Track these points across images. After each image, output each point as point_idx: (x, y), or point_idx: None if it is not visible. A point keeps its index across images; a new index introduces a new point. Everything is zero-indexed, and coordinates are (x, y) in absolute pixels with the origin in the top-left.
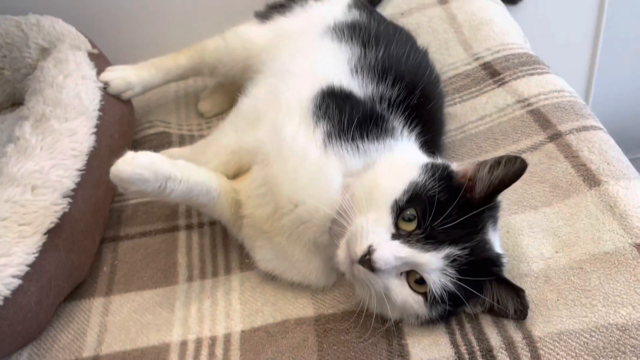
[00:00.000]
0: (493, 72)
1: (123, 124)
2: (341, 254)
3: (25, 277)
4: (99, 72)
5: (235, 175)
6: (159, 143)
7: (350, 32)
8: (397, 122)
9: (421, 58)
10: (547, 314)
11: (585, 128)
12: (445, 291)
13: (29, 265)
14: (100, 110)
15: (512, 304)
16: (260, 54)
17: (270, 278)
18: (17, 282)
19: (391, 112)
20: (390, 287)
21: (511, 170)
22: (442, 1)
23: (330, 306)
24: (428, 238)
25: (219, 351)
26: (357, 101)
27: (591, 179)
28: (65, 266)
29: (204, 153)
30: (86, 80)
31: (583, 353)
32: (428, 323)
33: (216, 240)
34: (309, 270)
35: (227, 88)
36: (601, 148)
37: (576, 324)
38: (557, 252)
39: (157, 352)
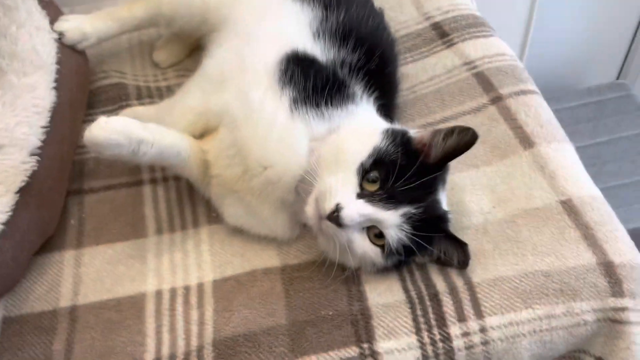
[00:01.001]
0: (442, 33)
1: (80, 76)
2: (310, 210)
3: (1, 235)
4: (51, 22)
5: (201, 135)
6: (115, 94)
7: None
8: (357, 87)
9: (379, 20)
10: (484, 263)
11: (523, 92)
12: (400, 244)
13: (3, 224)
14: (57, 63)
15: (457, 255)
16: (219, 7)
17: (238, 232)
18: None
19: (352, 77)
20: (353, 240)
21: (463, 140)
22: None
23: (294, 257)
24: (389, 198)
25: (193, 299)
26: (320, 67)
27: (526, 141)
28: (36, 222)
29: (170, 114)
30: (40, 31)
31: (513, 296)
32: (383, 271)
33: (182, 194)
34: (276, 225)
35: (183, 38)
36: (536, 112)
37: (508, 271)
38: (494, 207)
39: (134, 301)
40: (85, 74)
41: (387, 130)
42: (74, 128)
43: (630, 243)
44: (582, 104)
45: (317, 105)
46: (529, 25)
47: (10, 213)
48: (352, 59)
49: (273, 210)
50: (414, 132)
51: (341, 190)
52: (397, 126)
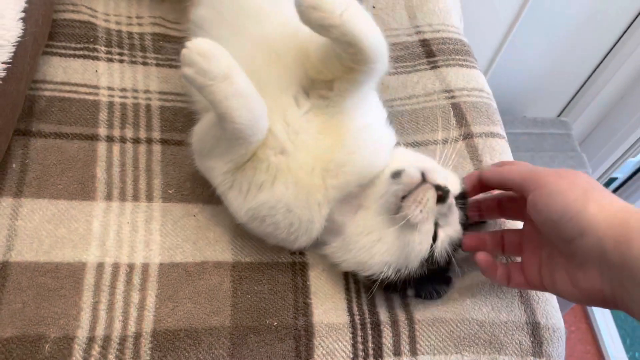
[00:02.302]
0: (429, 52)
1: (47, 6)
2: (413, 171)
3: None
4: None
5: None
6: (82, 33)
7: None
8: None
9: None
10: (428, 302)
11: (492, 134)
12: (441, 256)
13: None
14: None
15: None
16: None
17: (192, 216)
18: None
19: None
20: (427, 227)
21: None
22: None
23: (247, 254)
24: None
25: (136, 280)
26: None
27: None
28: None
29: None
30: None
31: (447, 339)
32: (394, 281)
33: (139, 162)
34: (314, 217)
35: None
36: (500, 158)
37: (448, 313)
38: None
39: (72, 269)
40: (51, 4)
41: None
42: (34, 63)
43: (556, 306)
44: (526, 132)
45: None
46: (499, 50)
47: None
48: None
49: (323, 200)
50: None
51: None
52: None
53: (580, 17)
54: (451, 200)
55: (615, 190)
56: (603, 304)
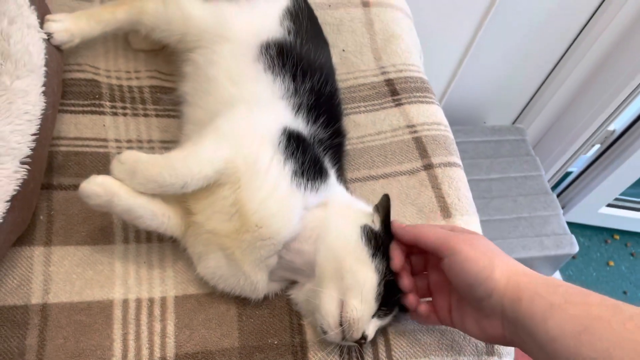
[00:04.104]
0: (393, 91)
1: (60, 75)
2: (332, 323)
3: None
4: (38, 17)
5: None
6: (88, 91)
7: (280, 62)
8: (327, 161)
9: (337, 87)
10: (400, 317)
11: (450, 164)
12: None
13: None
14: (45, 65)
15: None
16: (201, 35)
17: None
18: None
19: (324, 153)
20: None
21: (388, 203)
22: (365, 4)
23: None
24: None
25: (156, 312)
26: (309, 144)
27: (445, 210)
28: (16, 222)
29: (185, 165)
30: (31, 30)
31: (417, 346)
32: None
33: None
34: (252, 281)
35: None
36: (457, 185)
37: (415, 325)
38: None
39: (102, 306)
40: (62, 71)
41: (370, 234)
42: (53, 126)
43: None
44: (485, 140)
45: (310, 179)
46: (461, 63)
47: (1, 221)
48: (324, 136)
49: (254, 266)
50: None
51: (366, 318)
52: (371, 224)
53: (532, 32)
54: (371, 335)
55: (571, 183)
56: (505, 344)
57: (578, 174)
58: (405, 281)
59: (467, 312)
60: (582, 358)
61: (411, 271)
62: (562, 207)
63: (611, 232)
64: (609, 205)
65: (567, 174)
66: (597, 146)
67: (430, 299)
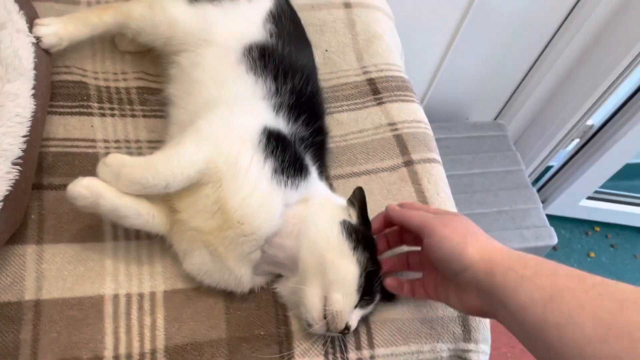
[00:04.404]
0: (375, 90)
1: (49, 78)
2: (317, 317)
3: None
4: (27, 20)
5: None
6: (76, 92)
7: (262, 63)
8: (308, 159)
9: (322, 93)
10: (381, 306)
11: (429, 160)
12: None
13: None
14: (34, 68)
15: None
16: (186, 38)
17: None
18: None
19: (305, 151)
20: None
21: (363, 196)
22: (347, 4)
23: None
24: (368, 293)
25: (146, 306)
26: (289, 142)
27: (425, 205)
28: (9, 221)
29: (167, 167)
30: (20, 34)
31: (397, 334)
32: None
33: None
34: (236, 276)
35: None
36: (436, 180)
37: (396, 314)
38: None
39: (93, 301)
40: (51, 73)
41: (350, 228)
42: (42, 128)
43: None
44: (467, 136)
45: (290, 176)
46: (442, 61)
47: None
48: (305, 134)
49: (237, 261)
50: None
51: (348, 310)
52: (348, 218)
53: (511, 29)
54: (354, 325)
55: (552, 177)
56: (483, 315)
57: (558, 168)
58: (378, 245)
59: (449, 287)
60: (548, 324)
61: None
62: (544, 201)
63: (592, 224)
64: (589, 197)
65: (548, 168)
66: (576, 141)
67: (419, 274)
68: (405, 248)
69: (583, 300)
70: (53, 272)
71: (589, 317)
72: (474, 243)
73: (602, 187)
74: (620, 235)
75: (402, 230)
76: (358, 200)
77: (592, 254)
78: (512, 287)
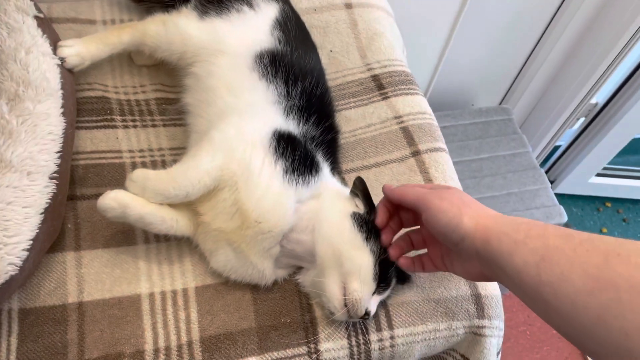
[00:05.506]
0: (379, 85)
1: (74, 96)
2: (338, 305)
3: (29, 249)
4: (50, 43)
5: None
6: (100, 107)
7: (273, 69)
8: (320, 157)
9: (328, 87)
10: (397, 289)
11: (435, 149)
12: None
13: (32, 240)
14: (61, 88)
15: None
16: (199, 51)
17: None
18: (25, 254)
19: (317, 149)
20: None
21: (364, 184)
22: (348, 5)
23: None
24: (384, 279)
25: (180, 302)
26: (299, 142)
27: None
28: (49, 231)
29: (186, 177)
30: (46, 57)
31: (414, 315)
32: None
33: None
34: (259, 269)
35: None
36: (443, 168)
37: (412, 297)
38: None
39: (131, 300)
40: (75, 91)
41: (361, 220)
42: (72, 142)
43: None
44: (473, 122)
45: (301, 175)
46: (444, 50)
47: (37, 231)
48: (315, 133)
49: (259, 256)
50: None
51: (367, 297)
52: (356, 209)
53: (511, 14)
54: (373, 310)
55: (560, 156)
56: (487, 279)
57: (566, 147)
58: (384, 237)
59: (453, 257)
60: (542, 283)
61: (404, 225)
62: (553, 180)
63: (602, 200)
64: (598, 174)
65: (556, 147)
66: (582, 119)
67: (425, 250)
68: (405, 230)
69: (572, 257)
70: (92, 276)
71: (577, 272)
72: (469, 213)
73: (610, 163)
74: (632, 210)
75: (400, 210)
76: (360, 190)
77: (605, 230)
78: (507, 252)
